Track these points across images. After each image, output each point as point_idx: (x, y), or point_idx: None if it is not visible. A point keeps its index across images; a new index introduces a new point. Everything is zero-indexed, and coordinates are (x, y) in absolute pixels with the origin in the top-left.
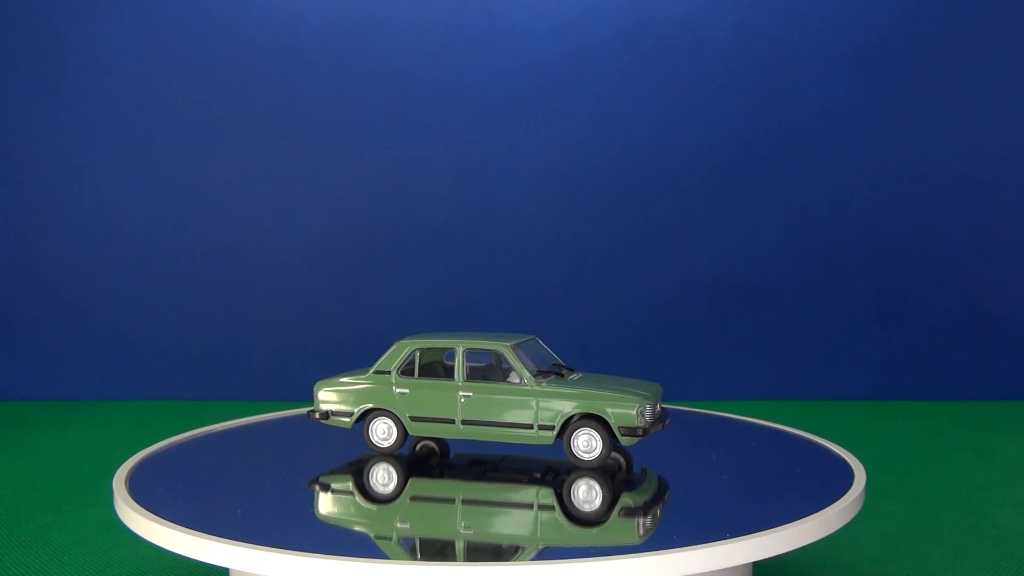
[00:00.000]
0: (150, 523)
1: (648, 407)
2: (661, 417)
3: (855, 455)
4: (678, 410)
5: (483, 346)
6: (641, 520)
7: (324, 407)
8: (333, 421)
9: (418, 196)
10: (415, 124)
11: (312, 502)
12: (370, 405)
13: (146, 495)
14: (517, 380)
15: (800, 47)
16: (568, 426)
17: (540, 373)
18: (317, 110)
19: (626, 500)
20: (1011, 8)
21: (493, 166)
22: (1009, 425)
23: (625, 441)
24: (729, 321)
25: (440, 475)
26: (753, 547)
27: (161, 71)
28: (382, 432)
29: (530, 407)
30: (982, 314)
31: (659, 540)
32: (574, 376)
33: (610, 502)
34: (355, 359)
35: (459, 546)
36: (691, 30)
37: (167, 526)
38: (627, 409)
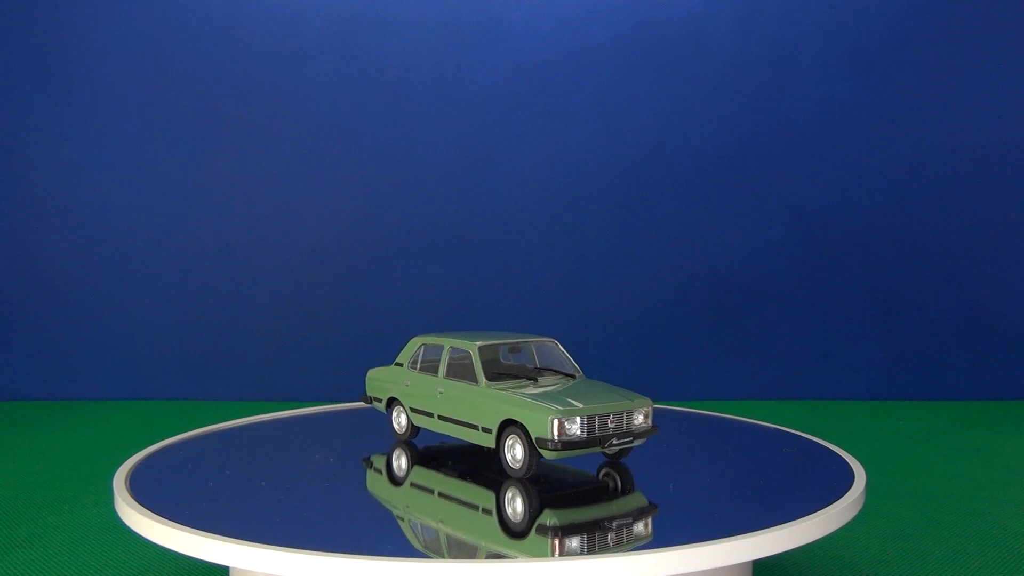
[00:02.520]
0: (150, 522)
1: (577, 420)
2: (620, 432)
3: (855, 455)
4: (678, 410)
5: (460, 345)
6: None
7: (369, 393)
8: (375, 406)
9: (418, 196)
10: (415, 124)
11: (311, 501)
12: (392, 394)
13: (146, 494)
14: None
15: (800, 47)
16: (503, 432)
17: (523, 375)
18: (317, 110)
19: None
20: (1011, 8)
21: (493, 166)
22: (1009, 425)
23: (544, 454)
24: (729, 321)
25: (444, 472)
26: (753, 546)
27: (161, 71)
28: (399, 420)
29: (477, 408)
30: (982, 314)
31: (659, 539)
32: (555, 382)
33: (527, 516)
34: (355, 359)
35: (459, 544)
36: (691, 30)
37: (167, 525)
38: (541, 418)
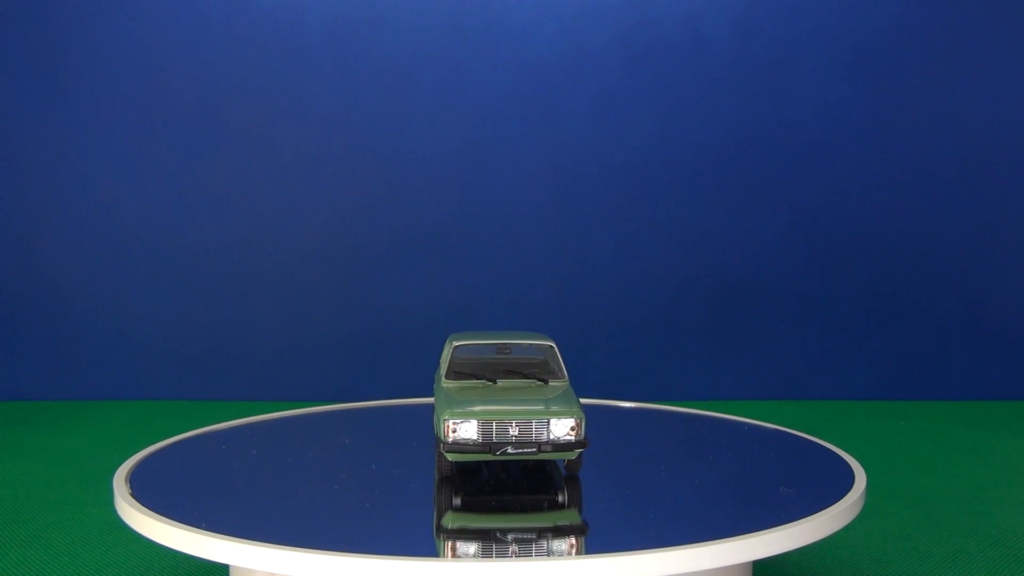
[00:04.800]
0: (151, 520)
1: (472, 423)
2: (524, 442)
3: (855, 455)
4: (678, 411)
5: (445, 346)
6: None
7: None
8: None
9: (418, 196)
10: (415, 124)
11: (312, 500)
12: None
13: (146, 494)
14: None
15: (800, 47)
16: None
17: (483, 375)
18: (317, 110)
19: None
20: (1011, 8)
21: (493, 166)
22: (1009, 425)
23: (445, 454)
24: (729, 321)
25: (452, 473)
26: (753, 546)
27: (162, 71)
28: None
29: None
30: (982, 314)
31: (660, 539)
32: (514, 385)
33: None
34: (355, 359)
35: (458, 543)
36: (691, 30)
37: (167, 523)
38: (438, 419)
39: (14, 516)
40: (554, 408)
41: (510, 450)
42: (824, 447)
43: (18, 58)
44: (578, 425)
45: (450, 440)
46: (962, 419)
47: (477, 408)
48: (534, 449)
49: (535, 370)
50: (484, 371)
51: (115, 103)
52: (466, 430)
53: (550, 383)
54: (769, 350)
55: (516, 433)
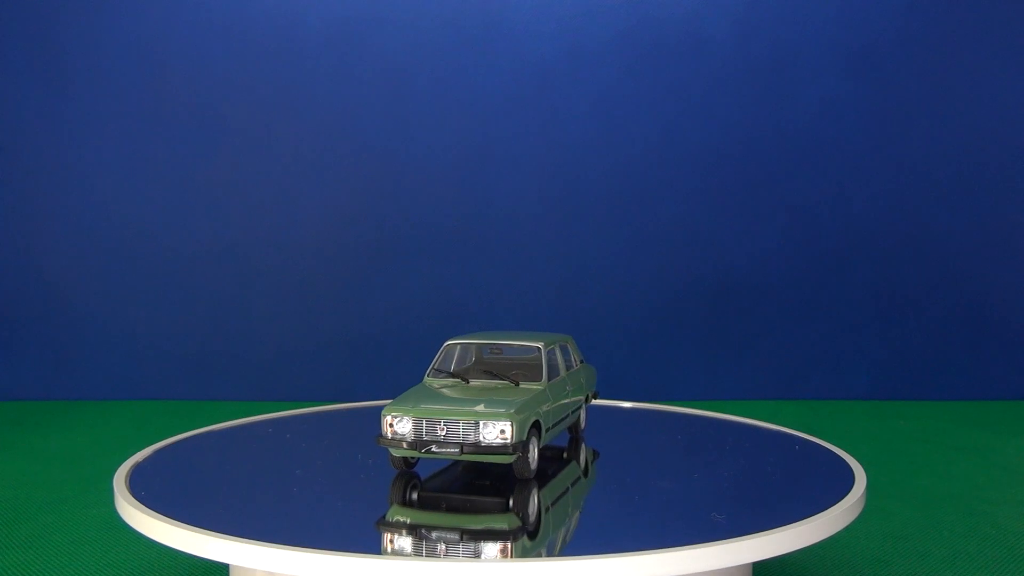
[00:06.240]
0: (151, 520)
1: (407, 420)
2: (448, 442)
3: (855, 455)
4: (678, 411)
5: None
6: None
7: None
8: None
9: (418, 196)
10: (415, 124)
11: (311, 500)
12: None
13: (146, 493)
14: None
15: (800, 47)
16: None
17: (457, 375)
18: (317, 110)
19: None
20: (1011, 8)
21: (493, 166)
22: (1009, 425)
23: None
24: (729, 321)
25: (453, 473)
26: (753, 547)
27: (161, 71)
28: None
29: None
30: (982, 314)
31: (659, 540)
32: (484, 385)
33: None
34: (355, 359)
35: (458, 542)
36: (691, 30)
37: (168, 522)
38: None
39: (14, 516)
40: (486, 411)
41: (434, 448)
42: (824, 447)
43: (18, 58)
44: (509, 429)
45: (388, 435)
46: (962, 419)
47: (411, 406)
48: (457, 450)
49: (518, 371)
50: (463, 371)
51: (115, 103)
52: (402, 426)
53: (521, 385)
54: (769, 350)
55: (444, 433)
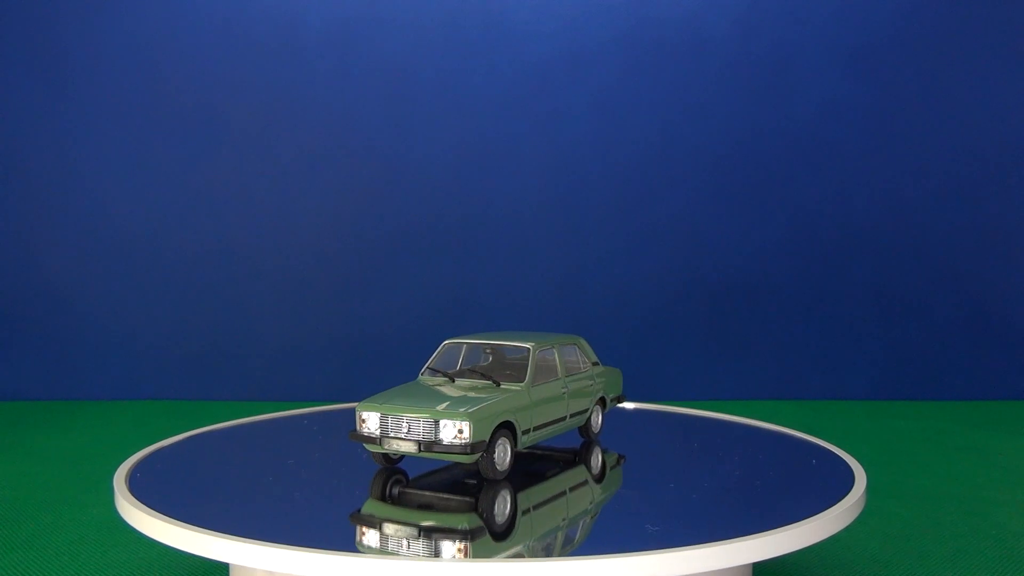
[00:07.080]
0: (151, 519)
1: (374, 416)
2: (407, 438)
3: (855, 455)
4: (678, 411)
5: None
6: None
7: None
8: None
9: (418, 196)
10: (415, 124)
11: (311, 499)
12: None
13: (146, 493)
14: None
15: (800, 47)
16: None
17: (447, 375)
18: (317, 110)
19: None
20: (1011, 8)
21: (493, 166)
22: (1009, 425)
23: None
24: (729, 321)
25: (449, 472)
26: (753, 548)
27: (161, 71)
28: None
29: None
30: (982, 314)
31: (659, 540)
32: (463, 385)
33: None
34: (355, 359)
35: (458, 542)
36: (691, 30)
37: (168, 522)
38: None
39: (14, 516)
40: (445, 410)
41: (393, 444)
42: (824, 447)
43: (18, 58)
44: (466, 429)
45: (361, 430)
46: (962, 419)
47: (380, 403)
48: (415, 448)
49: (510, 372)
50: (453, 370)
51: (115, 103)
52: (372, 422)
53: (503, 386)
54: (769, 350)
55: (406, 430)
